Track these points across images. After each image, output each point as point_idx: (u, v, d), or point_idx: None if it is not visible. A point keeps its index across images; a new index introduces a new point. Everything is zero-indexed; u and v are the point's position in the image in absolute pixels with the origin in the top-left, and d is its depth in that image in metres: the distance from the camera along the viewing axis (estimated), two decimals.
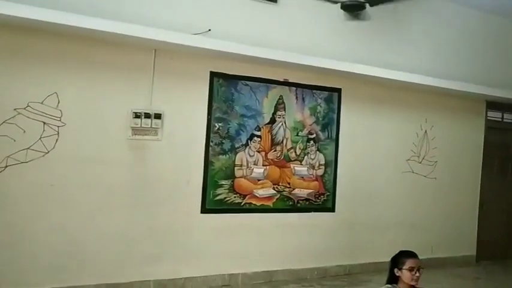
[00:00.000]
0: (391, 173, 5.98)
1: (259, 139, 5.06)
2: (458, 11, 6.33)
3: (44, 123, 4.06)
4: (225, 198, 4.90)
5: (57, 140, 4.12)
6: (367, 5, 3.42)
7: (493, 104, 6.83)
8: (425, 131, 6.24)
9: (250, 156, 5.02)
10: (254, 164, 5.04)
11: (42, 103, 4.05)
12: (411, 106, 6.11)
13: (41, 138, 4.05)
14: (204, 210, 4.79)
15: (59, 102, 4.11)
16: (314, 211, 5.42)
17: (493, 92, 6.42)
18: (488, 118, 6.85)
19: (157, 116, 4.46)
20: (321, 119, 5.44)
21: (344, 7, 3.49)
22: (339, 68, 5.21)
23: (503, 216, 7.13)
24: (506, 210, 7.17)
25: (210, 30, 4.64)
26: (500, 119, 7.05)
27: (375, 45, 5.68)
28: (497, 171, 7.05)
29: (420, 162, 6.21)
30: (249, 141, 5.01)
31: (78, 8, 3.99)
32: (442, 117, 6.37)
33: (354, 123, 5.67)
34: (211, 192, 4.82)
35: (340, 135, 5.57)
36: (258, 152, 5.07)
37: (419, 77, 5.72)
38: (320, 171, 5.46)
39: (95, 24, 3.94)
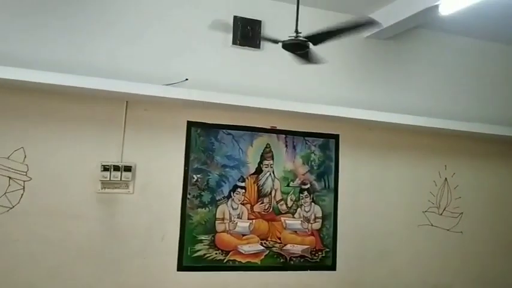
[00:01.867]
0: (405, 226, 5.35)
1: (243, 190, 4.75)
2: (474, 45, 5.75)
3: (10, 178, 4.07)
4: (204, 254, 4.58)
5: (22, 194, 4.09)
6: (311, 44, 3.11)
7: None
8: (446, 179, 5.57)
9: (233, 209, 4.71)
10: (238, 218, 4.71)
11: (8, 158, 4.07)
12: (426, 152, 5.52)
13: (5, 193, 4.05)
14: (181, 267, 4.49)
15: (25, 157, 4.11)
16: (310, 269, 4.92)
17: None
18: None
19: (128, 169, 4.33)
20: (315, 167, 5.03)
21: (285, 46, 3.20)
22: (335, 113, 4.82)
23: None
24: None
25: (187, 79, 4.52)
26: None
27: (377, 86, 5.27)
28: None
29: (441, 214, 5.51)
30: (232, 193, 4.71)
31: (43, 63, 4.04)
32: (466, 163, 5.68)
33: (356, 172, 5.19)
34: (189, 248, 4.53)
35: (339, 185, 5.10)
36: (243, 204, 4.74)
37: (432, 120, 5.17)
38: (316, 225, 4.99)
39: (63, 80, 3.93)
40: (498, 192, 5.81)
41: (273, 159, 4.88)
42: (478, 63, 5.79)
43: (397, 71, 5.38)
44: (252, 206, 4.77)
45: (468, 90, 5.69)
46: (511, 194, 5.88)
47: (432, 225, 5.46)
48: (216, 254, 4.61)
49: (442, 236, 5.49)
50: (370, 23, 2.85)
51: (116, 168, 4.29)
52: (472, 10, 4.61)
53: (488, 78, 5.82)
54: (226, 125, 4.74)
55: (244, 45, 4.74)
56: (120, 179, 4.30)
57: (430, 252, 5.43)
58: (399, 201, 5.34)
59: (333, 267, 5.00)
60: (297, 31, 3.14)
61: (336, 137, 5.14)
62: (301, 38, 3.08)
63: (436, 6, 4.20)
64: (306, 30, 3.25)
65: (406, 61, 5.44)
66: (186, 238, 4.52)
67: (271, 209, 4.84)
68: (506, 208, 5.83)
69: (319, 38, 3.02)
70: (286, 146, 4.95)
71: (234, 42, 4.71)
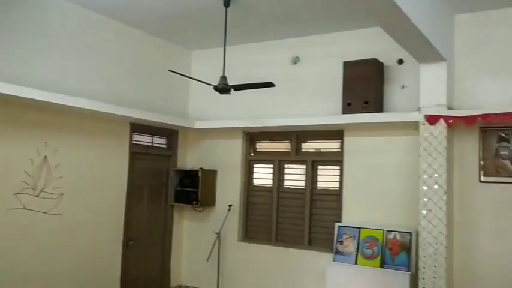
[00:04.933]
0: None
1: None
2: (88, 18, 5.46)
3: None
4: None
5: None
6: None
7: (140, 127, 6.17)
8: (45, 157, 5.05)
9: None
10: None
11: None
12: (22, 126, 4.84)
13: None
14: None
15: None
16: None
17: (136, 113, 5.71)
18: (134, 142, 6.15)
19: None
20: None
21: None
22: None
23: (155, 251, 6.50)
24: (160, 244, 6.58)
25: None
26: (150, 144, 6.46)
27: None
28: (148, 201, 6.40)
29: (37, 196, 4.96)
30: None
31: None
32: (71, 141, 5.31)
33: None
34: None
35: None
36: None
37: (23, 89, 4.47)
38: None
39: None
40: (103, 170, 5.69)
41: None
42: (90, 38, 5.50)
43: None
44: None
45: (75, 63, 5.32)
46: (118, 173, 5.89)
47: (25, 209, 4.84)
48: None
49: (37, 220, 4.95)
50: None
51: None
52: None
53: (100, 54, 5.62)
54: None
55: None
56: None
57: (23, 239, 4.82)
58: None
59: None
60: None
61: None
62: None
63: None
64: None
65: (9, 21, 4.61)
66: None
67: None
68: (111, 186, 5.79)
69: None
70: None
71: None
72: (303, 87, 6.04)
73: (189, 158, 6.97)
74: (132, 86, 6.03)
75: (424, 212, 4.73)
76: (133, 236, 6.05)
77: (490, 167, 4.82)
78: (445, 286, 4.57)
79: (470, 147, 4.93)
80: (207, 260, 6.13)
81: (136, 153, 6.14)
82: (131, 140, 6.07)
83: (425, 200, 4.73)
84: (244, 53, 6.39)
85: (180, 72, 5.21)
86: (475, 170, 4.88)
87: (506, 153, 4.76)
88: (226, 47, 5.12)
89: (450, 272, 4.76)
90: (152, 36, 6.31)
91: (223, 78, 4.93)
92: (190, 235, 6.86)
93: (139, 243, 6.15)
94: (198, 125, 6.50)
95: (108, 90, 5.64)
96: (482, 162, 4.86)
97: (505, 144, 4.78)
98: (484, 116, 4.57)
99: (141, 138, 6.26)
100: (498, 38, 4.88)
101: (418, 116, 4.88)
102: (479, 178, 4.86)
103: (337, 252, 5.38)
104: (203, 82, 4.98)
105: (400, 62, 5.39)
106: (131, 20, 5.76)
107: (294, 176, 6.28)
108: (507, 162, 4.75)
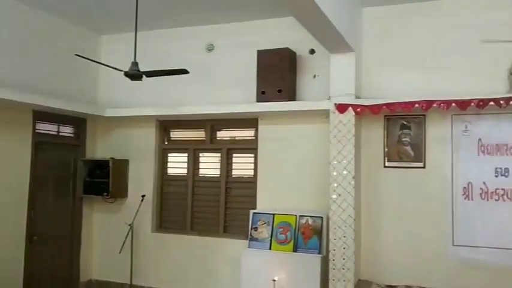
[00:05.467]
0: None
1: None
2: None
3: None
4: None
5: None
6: None
7: (44, 115, 5.76)
8: None
9: None
10: None
11: None
12: None
13: None
14: None
15: None
16: None
17: (39, 100, 5.30)
18: (38, 131, 5.73)
19: None
20: None
21: None
22: None
23: (63, 245, 6.18)
24: (68, 238, 6.25)
25: None
26: (55, 133, 6.07)
27: None
28: (54, 194, 6.03)
29: None
30: None
31: None
32: None
33: None
34: None
35: None
36: None
37: None
38: None
39: None
40: (1, 163, 5.25)
41: None
42: None
43: None
44: None
45: None
46: (19, 165, 5.47)
47: None
48: None
49: None
50: None
51: None
52: None
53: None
54: None
55: None
56: None
57: None
58: None
59: None
60: None
61: None
62: None
63: None
64: None
65: None
66: None
67: None
68: (12, 180, 5.37)
69: None
70: None
71: None
72: (217, 75, 5.99)
73: (99, 148, 6.66)
74: (35, 71, 5.60)
75: (334, 196, 4.93)
76: (38, 231, 5.66)
77: (393, 153, 5.14)
78: (353, 267, 4.82)
79: (376, 134, 5.21)
80: (120, 252, 5.91)
81: (41, 142, 5.73)
82: (34, 128, 5.65)
83: (335, 185, 4.93)
84: (157, 39, 6.21)
85: (87, 57, 4.91)
86: (380, 155, 5.18)
87: (408, 139, 5.09)
88: (139, 33, 4.91)
89: (358, 253, 5.02)
90: (58, 18, 5.90)
91: (135, 64, 4.72)
92: (102, 227, 6.58)
93: (45, 238, 5.78)
94: (109, 112, 6.21)
95: (8, 75, 5.18)
96: (386, 149, 5.16)
97: (406, 131, 5.10)
98: (388, 105, 4.83)
99: (45, 127, 5.85)
100: (402, 31, 5.17)
101: (328, 105, 5.05)
102: (384, 163, 5.16)
103: (252, 239, 5.45)
104: (112, 67, 4.74)
105: (312, 52, 5.54)
106: (34, 0, 5.33)
107: (209, 165, 6.25)
108: (408, 148, 5.08)
